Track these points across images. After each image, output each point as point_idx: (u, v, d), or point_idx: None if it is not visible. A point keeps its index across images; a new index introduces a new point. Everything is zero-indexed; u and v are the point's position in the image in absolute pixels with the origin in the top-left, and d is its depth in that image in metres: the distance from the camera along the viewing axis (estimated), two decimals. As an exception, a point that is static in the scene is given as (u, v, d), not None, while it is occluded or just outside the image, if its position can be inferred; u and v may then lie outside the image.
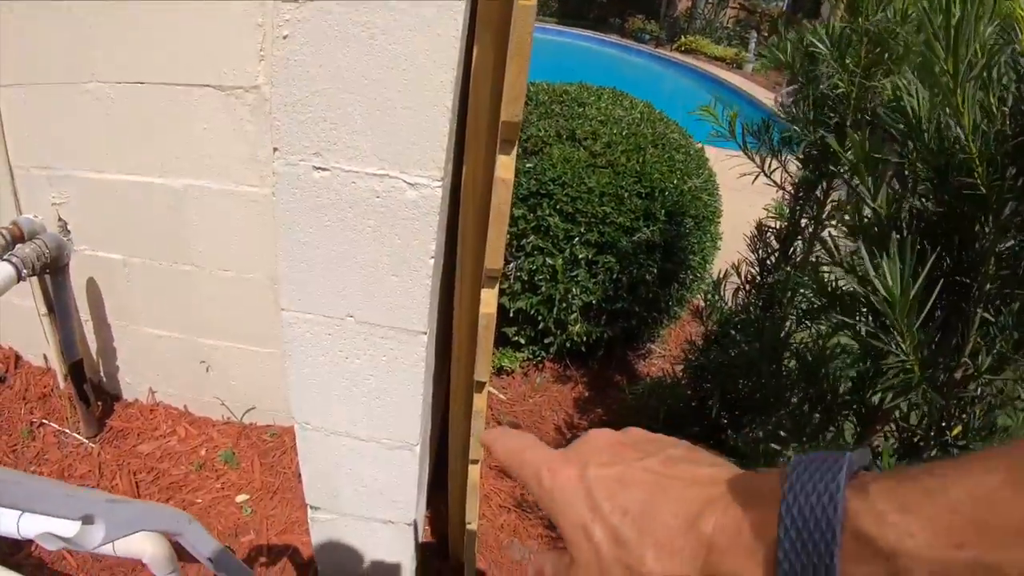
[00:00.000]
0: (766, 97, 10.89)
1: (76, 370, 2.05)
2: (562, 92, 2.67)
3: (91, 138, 1.83)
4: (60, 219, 2.03)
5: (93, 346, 2.24)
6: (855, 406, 1.26)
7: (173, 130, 1.73)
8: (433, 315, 1.17)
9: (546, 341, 2.45)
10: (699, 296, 2.16)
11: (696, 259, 2.49)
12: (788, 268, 1.75)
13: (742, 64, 13.27)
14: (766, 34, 14.81)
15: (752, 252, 1.88)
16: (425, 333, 1.12)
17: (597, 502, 0.35)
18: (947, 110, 0.93)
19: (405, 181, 0.98)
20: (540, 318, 2.33)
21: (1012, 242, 0.96)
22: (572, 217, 2.17)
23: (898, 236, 0.95)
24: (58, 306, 1.96)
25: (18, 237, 1.82)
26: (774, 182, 1.84)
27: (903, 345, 0.95)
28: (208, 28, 1.58)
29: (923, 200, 1.07)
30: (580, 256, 2.17)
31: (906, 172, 1.11)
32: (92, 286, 2.11)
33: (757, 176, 1.80)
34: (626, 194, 2.23)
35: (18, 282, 1.73)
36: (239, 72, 1.59)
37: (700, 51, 13.59)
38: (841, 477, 0.27)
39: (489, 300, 1.13)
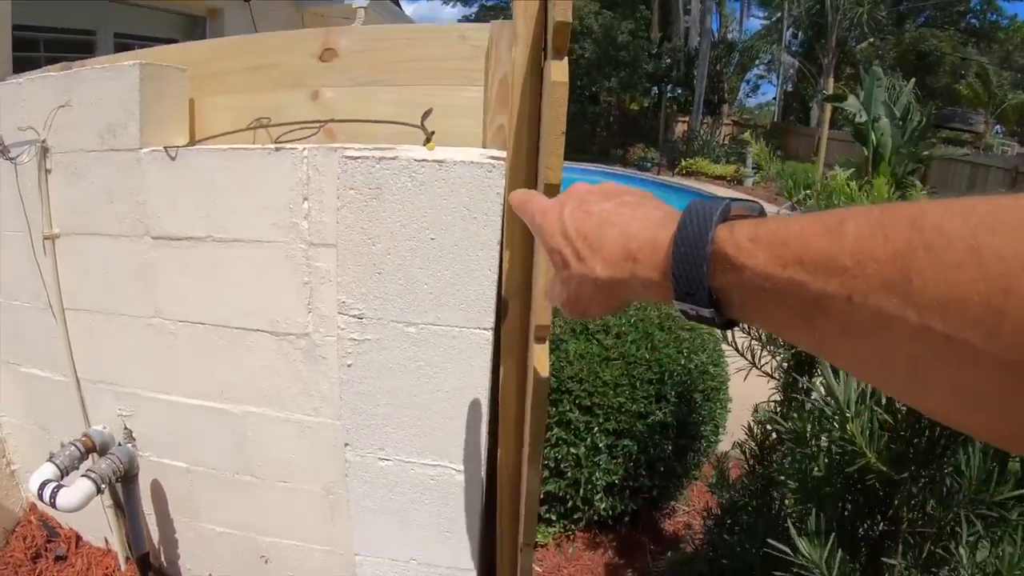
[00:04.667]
0: (771, 209, 11.23)
1: (143, 563, 2.20)
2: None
3: (154, 364, 2.04)
4: (126, 428, 2.20)
5: (155, 535, 2.36)
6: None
7: (232, 365, 1.93)
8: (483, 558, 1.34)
9: (575, 516, 2.56)
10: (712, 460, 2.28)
11: (707, 429, 2.64)
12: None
13: (742, 180, 13.59)
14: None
15: (750, 438, 2.01)
16: (473, 571, 1.29)
17: (567, 231, 0.49)
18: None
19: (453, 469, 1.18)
20: (568, 498, 2.46)
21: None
22: (590, 410, 2.35)
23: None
24: (128, 510, 2.12)
25: (90, 448, 2.03)
26: (766, 374, 2.00)
27: None
28: (260, 283, 1.81)
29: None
30: (600, 444, 2.34)
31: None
32: (156, 487, 2.25)
33: (749, 371, 1.96)
34: (638, 382, 2.41)
35: (97, 495, 1.90)
36: (291, 321, 1.82)
37: (701, 172, 13.89)
38: (715, 216, 0.39)
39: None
